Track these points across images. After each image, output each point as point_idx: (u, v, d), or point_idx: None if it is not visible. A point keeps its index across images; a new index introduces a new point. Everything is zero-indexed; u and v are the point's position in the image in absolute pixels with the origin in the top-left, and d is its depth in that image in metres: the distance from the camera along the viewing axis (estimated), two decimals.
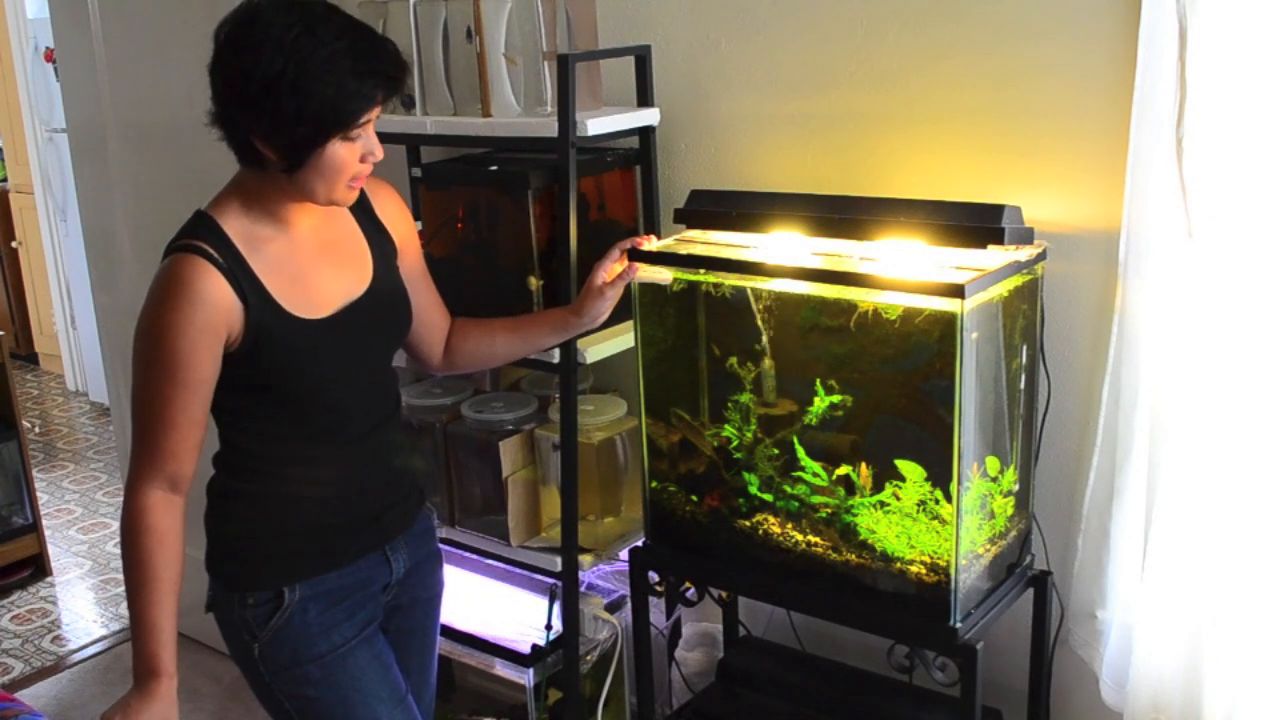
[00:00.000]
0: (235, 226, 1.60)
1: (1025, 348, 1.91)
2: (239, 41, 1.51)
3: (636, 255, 1.98)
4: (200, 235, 1.57)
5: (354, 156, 1.57)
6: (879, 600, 1.88)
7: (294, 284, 1.62)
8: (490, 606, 2.54)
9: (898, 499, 1.84)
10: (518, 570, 2.43)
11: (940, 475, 1.78)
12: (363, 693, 1.72)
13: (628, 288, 2.02)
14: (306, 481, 1.70)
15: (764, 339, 1.95)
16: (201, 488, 1.73)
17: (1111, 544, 1.94)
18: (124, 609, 3.70)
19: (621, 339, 2.21)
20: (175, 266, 1.55)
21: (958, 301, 1.67)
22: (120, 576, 3.90)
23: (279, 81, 1.48)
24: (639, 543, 2.20)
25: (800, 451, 1.93)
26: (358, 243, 1.73)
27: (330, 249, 1.69)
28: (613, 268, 1.96)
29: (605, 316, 1.98)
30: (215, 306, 1.54)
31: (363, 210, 1.75)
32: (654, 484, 2.13)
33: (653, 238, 2.04)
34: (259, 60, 1.49)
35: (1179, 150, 1.75)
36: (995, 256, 1.79)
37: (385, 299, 1.74)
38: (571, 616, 2.28)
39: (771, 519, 1.99)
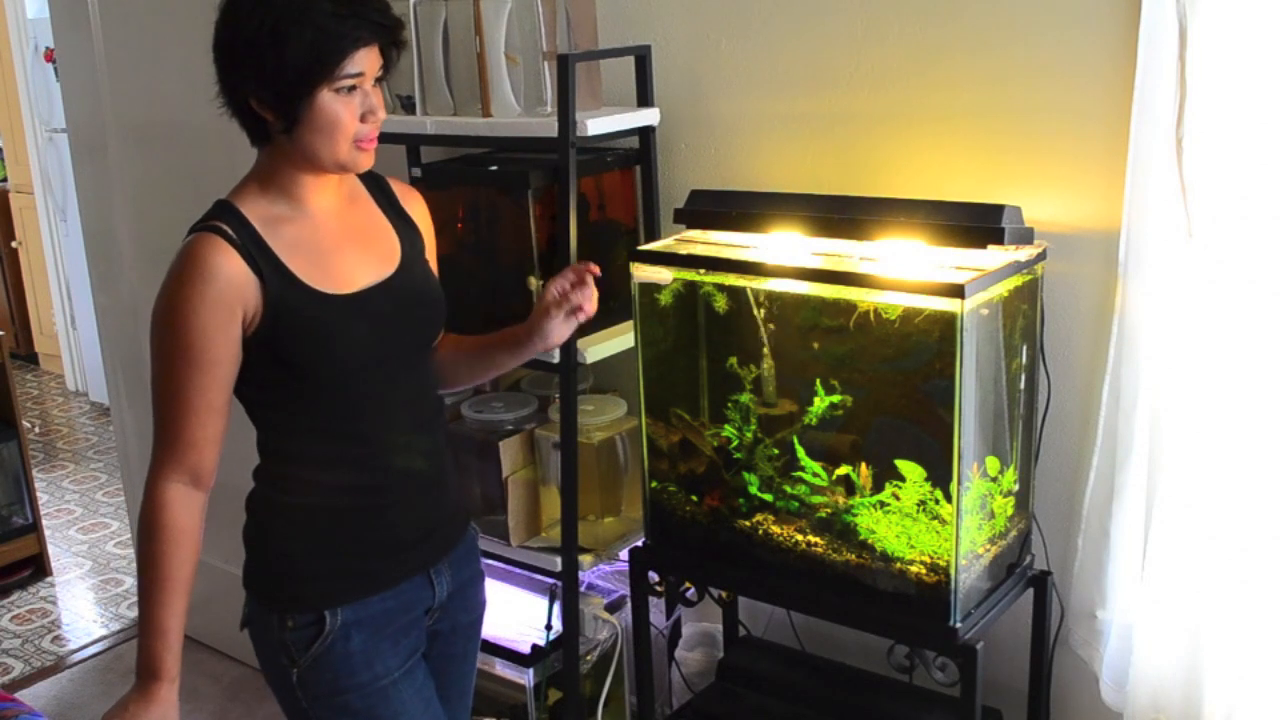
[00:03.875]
0: (253, 209, 1.58)
1: (1025, 348, 1.91)
2: (226, 7, 1.54)
3: (637, 256, 1.96)
4: (217, 217, 1.56)
5: (350, 112, 1.53)
6: (879, 600, 1.88)
7: (315, 262, 1.59)
8: (490, 606, 2.53)
9: (898, 499, 1.84)
10: (518, 570, 2.43)
11: (940, 475, 1.78)
12: None
13: (627, 288, 2.02)
14: (344, 491, 1.65)
15: (764, 339, 1.95)
16: (229, 495, 1.71)
17: (1111, 544, 1.94)
18: (124, 609, 3.71)
19: (621, 339, 2.21)
20: (188, 246, 1.53)
21: (958, 301, 1.67)
22: (120, 576, 3.92)
23: (259, 33, 1.49)
24: (639, 543, 2.20)
25: (800, 451, 1.93)
26: (384, 230, 1.70)
27: (355, 233, 1.65)
28: (564, 285, 1.75)
29: (560, 338, 1.78)
30: (228, 281, 1.51)
31: (389, 203, 1.73)
32: (654, 484, 2.13)
33: (597, 269, 1.78)
34: (240, 17, 1.51)
35: (1179, 150, 1.74)
36: (995, 256, 1.79)
37: (417, 285, 1.69)
38: (571, 616, 2.28)
39: (771, 519, 1.99)
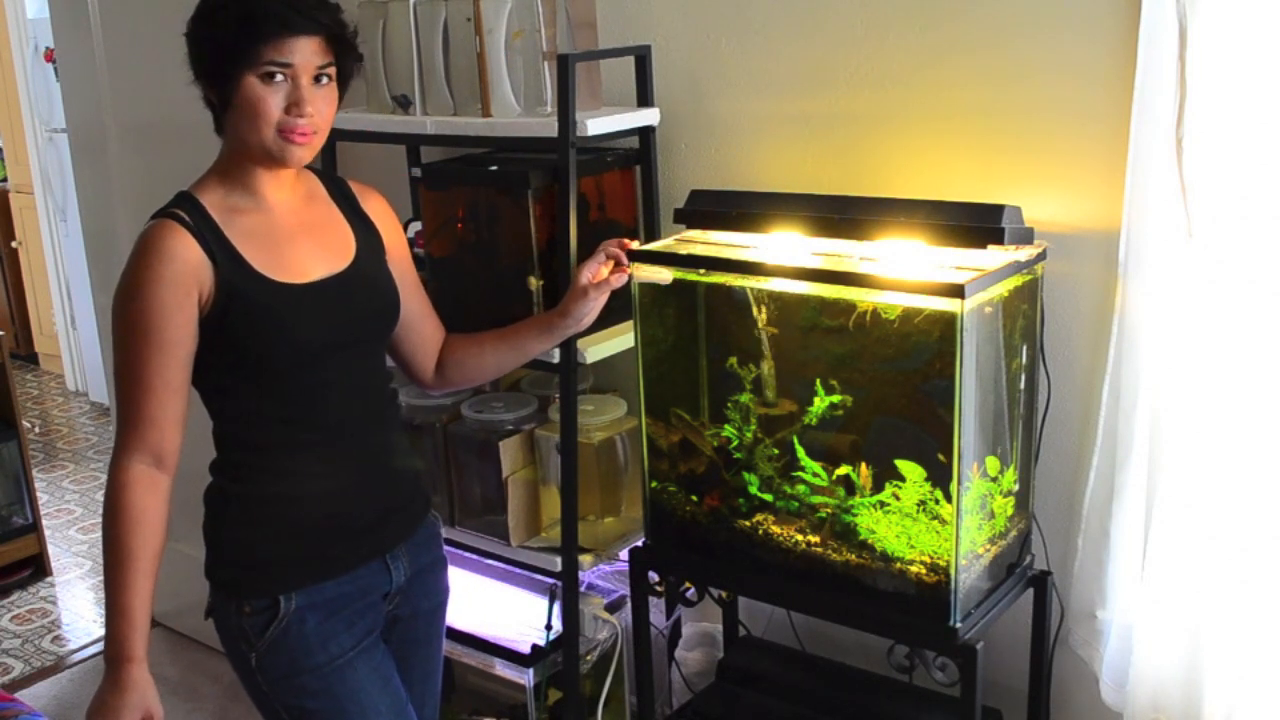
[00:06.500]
0: (211, 198, 1.63)
1: (1025, 348, 1.91)
2: None
3: (636, 255, 1.98)
4: (175, 205, 1.62)
5: (274, 100, 1.56)
6: (879, 600, 1.88)
7: (270, 251, 1.63)
8: (490, 606, 2.54)
9: (897, 499, 1.84)
10: (518, 570, 2.43)
11: (940, 475, 1.78)
12: (361, 705, 1.71)
13: (628, 287, 2.02)
14: (298, 478, 1.69)
15: (764, 339, 1.95)
16: (199, 488, 1.73)
17: (1111, 544, 1.94)
18: None
19: (621, 339, 2.21)
20: (146, 232, 1.59)
21: (958, 301, 1.67)
22: None
23: (201, 17, 1.57)
24: (639, 543, 2.20)
25: (800, 451, 1.93)
26: (340, 227, 1.75)
27: (311, 228, 1.70)
28: (600, 270, 1.96)
29: (592, 318, 1.97)
30: (183, 262, 1.56)
31: (347, 203, 1.78)
32: (654, 484, 2.13)
33: (636, 241, 2.02)
34: (200, 3, 1.59)
35: (1179, 150, 1.74)
36: (995, 256, 1.79)
37: (369, 279, 1.74)
38: (571, 616, 2.28)
39: (771, 519, 1.99)
